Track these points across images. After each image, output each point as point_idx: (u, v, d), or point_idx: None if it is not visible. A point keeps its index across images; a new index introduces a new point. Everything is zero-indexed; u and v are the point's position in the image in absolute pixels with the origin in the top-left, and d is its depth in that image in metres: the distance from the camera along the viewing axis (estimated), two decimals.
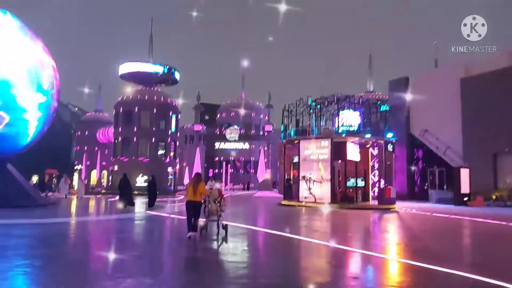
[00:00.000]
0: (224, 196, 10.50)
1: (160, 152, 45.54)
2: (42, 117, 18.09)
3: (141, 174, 41.87)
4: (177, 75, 47.78)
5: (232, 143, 59.52)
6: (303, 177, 23.93)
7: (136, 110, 43.45)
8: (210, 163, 65.93)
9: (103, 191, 41.91)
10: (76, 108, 78.88)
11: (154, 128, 43.65)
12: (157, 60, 47.03)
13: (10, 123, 16.64)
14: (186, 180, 58.43)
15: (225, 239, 9.42)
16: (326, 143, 24.51)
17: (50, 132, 66.19)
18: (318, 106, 43.50)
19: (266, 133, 56.41)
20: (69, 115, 76.50)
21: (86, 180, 48.17)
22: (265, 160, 49.67)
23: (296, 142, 26.83)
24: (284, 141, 45.89)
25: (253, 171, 67.47)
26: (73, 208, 18.80)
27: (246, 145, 61.43)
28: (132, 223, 13.33)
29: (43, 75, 17.73)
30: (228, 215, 15.84)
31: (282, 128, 48.61)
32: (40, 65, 17.70)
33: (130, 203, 18.29)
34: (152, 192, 19.44)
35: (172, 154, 46.13)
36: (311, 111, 44.57)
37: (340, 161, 25.45)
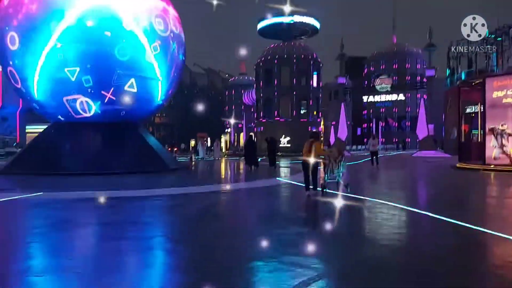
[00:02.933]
0: (345, 155, 10.08)
1: (303, 111, 42.69)
2: (169, 74, 16.63)
3: (283, 135, 39.99)
4: (316, 24, 43.25)
5: (383, 95, 52.32)
6: (491, 130, 17.21)
7: (275, 67, 41.12)
8: (357, 120, 60.35)
9: (226, 152, 41.91)
10: (227, 75, 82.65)
11: (295, 85, 40.74)
12: (295, 11, 43.24)
13: (137, 83, 15.66)
14: (332, 140, 54.97)
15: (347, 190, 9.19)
16: None
17: (204, 98, 71.02)
18: (499, 39, 33.48)
19: (425, 81, 47.36)
20: (221, 81, 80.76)
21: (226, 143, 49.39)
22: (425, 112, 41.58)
23: (476, 83, 19.76)
24: (450, 87, 37.37)
25: (409, 126, 59.20)
26: (201, 174, 17.26)
27: (400, 96, 53.22)
28: (262, 194, 10.39)
29: (166, 29, 16.13)
30: (377, 184, 11.96)
31: (447, 73, 39.78)
32: (163, 18, 16.09)
33: (255, 164, 18.25)
34: (250, 152, 18.70)
35: (315, 112, 42.74)
36: (488, 47, 34.84)
37: None
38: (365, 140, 55.66)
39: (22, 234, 5.66)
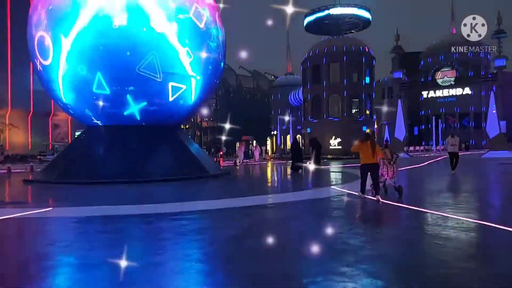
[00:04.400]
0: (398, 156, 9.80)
1: (354, 110, 39.68)
2: (204, 72, 14.92)
3: (333, 136, 37.26)
4: (368, 15, 40.09)
5: (445, 89, 47.45)
6: None
7: (324, 63, 38.50)
8: (414, 119, 55.85)
9: (272, 156, 39.55)
10: (272, 77, 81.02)
11: (345, 82, 37.86)
12: (343, 1, 40.43)
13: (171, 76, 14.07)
14: (388, 141, 51.11)
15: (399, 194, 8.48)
16: None
17: (251, 101, 70.12)
18: None
19: (494, 73, 42.17)
20: (267, 83, 79.20)
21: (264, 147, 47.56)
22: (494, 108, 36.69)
23: None
24: None
25: (473, 124, 53.74)
26: (244, 182, 15.24)
27: (466, 90, 47.87)
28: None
29: (201, 20, 14.43)
30: (443, 196, 9.13)
31: None
32: (197, 10, 14.40)
33: (297, 168, 17.69)
34: (296, 155, 18.42)
35: (367, 111, 39.54)
36: None
37: None
38: (429, 142, 51.22)
39: None
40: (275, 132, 55.47)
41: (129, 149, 14.80)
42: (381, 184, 8.79)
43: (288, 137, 52.01)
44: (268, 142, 48.46)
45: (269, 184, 13.83)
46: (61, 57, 13.61)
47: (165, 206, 8.25)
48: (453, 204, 7.82)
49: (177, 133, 16.25)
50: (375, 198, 8.04)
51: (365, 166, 8.48)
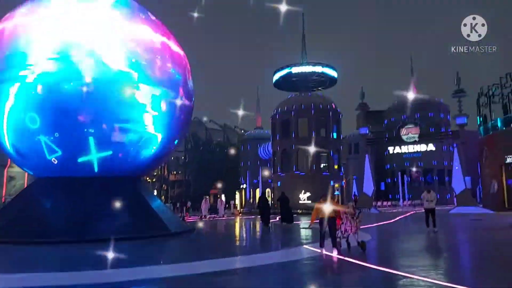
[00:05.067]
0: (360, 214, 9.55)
1: (323, 164, 39.70)
2: (167, 120, 14.07)
3: (302, 191, 36.69)
4: (334, 74, 41.63)
5: (410, 145, 48.85)
6: None
7: (293, 118, 38.91)
8: (379, 175, 56.63)
9: (241, 210, 38.41)
10: (242, 131, 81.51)
11: (313, 137, 38.15)
12: (311, 60, 42.01)
13: (125, 130, 13.14)
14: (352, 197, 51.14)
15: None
16: None
17: (221, 155, 69.16)
18: None
19: (455, 131, 44.04)
20: (236, 137, 79.35)
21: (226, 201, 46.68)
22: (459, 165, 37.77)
23: None
24: (484, 136, 34.05)
25: (436, 179, 55.02)
26: (208, 240, 13.97)
27: (430, 147, 49.51)
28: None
29: (158, 62, 13.83)
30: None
31: (478, 121, 36.72)
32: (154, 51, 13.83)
33: (266, 223, 17.86)
34: (264, 209, 18.61)
35: (336, 166, 39.66)
36: None
37: None
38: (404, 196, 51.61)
39: None
40: (244, 186, 54.42)
41: (80, 203, 13.39)
42: (344, 240, 8.99)
43: (258, 190, 51.05)
44: (237, 196, 47.18)
45: (236, 243, 12.65)
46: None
47: (109, 274, 7.00)
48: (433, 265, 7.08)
49: (135, 186, 15.00)
50: (329, 252, 8.39)
51: (321, 220, 8.82)
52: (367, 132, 40.46)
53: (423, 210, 14.20)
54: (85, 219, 12.97)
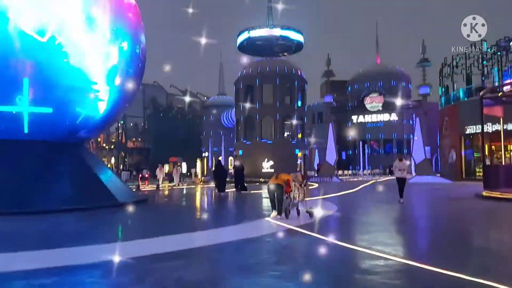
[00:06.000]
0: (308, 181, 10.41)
1: (287, 133, 38.93)
2: (115, 75, 12.29)
3: (265, 159, 35.91)
4: (300, 38, 40.21)
5: (373, 115, 48.93)
6: None
7: (257, 84, 37.45)
8: (341, 144, 57.15)
9: (202, 179, 37.30)
10: (205, 98, 78.94)
11: (278, 104, 37.05)
12: (277, 24, 40.20)
13: (69, 87, 11.30)
14: (316, 165, 51.31)
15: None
16: None
17: (182, 122, 67.07)
18: (499, 53, 31.00)
19: (418, 101, 44.33)
20: (199, 104, 76.77)
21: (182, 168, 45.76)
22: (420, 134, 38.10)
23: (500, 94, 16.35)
24: (446, 106, 34.42)
25: (395, 151, 56.33)
26: (159, 212, 12.66)
27: (393, 116, 49.82)
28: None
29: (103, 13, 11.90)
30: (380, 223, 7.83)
31: (440, 91, 37.07)
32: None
33: (221, 189, 18.08)
34: (219, 176, 18.77)
35: (299, 135, 39.04)
36: (484, 63, 32.31)
37: None
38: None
39: None
40: (206, 154, 53.06)
41: (15, 171, 11.58)
42: (294, 207, 9.42)
43: (220, 159, 49.85)
44: (199, 164, 45.80)
45: (190, 216, 11.42)
46: None
47: (26, 256, 5.60)
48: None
49: (80, 152, 13.27)
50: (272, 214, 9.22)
51: (268, 185, 9.49)
52: (332, 100, 39.88)
53: (395, 179, 13.34)
54: (23, 189, 11.25)
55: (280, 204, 9.06)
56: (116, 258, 5.34)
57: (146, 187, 24.46)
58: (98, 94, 12.18)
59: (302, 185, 9.34)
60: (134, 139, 77.98)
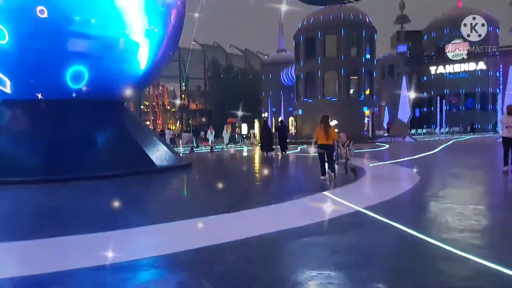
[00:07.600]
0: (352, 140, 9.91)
1: (352, 89, 35.45)
2: (157, 33, 10.70)
3: (329, 118, 33.08)
4: None
5: (456, 65, 42.80)
6: None
7: (319, 36, 33.99)
8: (415, 101, 51.81)
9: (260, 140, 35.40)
10: (266, 56, 76.28)
11: (343, 57, 33.47)
12: None
13: (108, 46, 9.88)
14: (385, 124, 47.20)
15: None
16: None
17: (243, 82, 65.82)
18: None
19: (505, 48, 37.61)
20: (259, 63, 74.43)
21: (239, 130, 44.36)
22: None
23: None
24: None
25: (479, 106, 49.80)
26: (199, 183, 11.02)
27: (480, 65, 43.01)
28: None
29: None
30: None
31: None
32: None
33: (269, 150, 17.73)
34: (265, 137, 18.36)
35: (368, 91, 35.31)
36: None
37: None
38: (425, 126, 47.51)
39: None
40: (266, 114, 51.26)
41: (46, 135, 10.63)
42: (342, 166, 9.63)
43: (280, 119, 47.83)
44: (256, 125, 44.10)
45: (238, 187, 9.57)
46: None
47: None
48: None
49: (118, 113, 11.99)
50: (324, 177, 8.79)
51: (319, 146, 8.93)
52: (406, 50, 35.14)
53: (501, 140, 9.81)
54: (55, 155, 10.31)
55: (332, 164, 8.91)
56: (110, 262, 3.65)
57: (204, 148, 24.18)
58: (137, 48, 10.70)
59: (345, 145, 9.47)
60: (197, 101, 78.71)
